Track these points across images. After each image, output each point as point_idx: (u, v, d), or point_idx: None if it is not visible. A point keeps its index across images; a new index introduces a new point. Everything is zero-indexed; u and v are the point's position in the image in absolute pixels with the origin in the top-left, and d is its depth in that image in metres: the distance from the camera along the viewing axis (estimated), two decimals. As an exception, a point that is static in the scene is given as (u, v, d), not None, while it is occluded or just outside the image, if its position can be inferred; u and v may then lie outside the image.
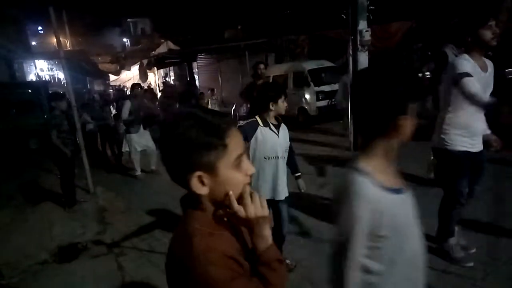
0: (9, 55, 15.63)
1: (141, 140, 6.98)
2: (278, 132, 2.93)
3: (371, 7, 6.70)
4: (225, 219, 0.94)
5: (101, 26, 39.93)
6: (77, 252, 4.26)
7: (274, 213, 3.04)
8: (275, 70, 12.24)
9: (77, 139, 6.22)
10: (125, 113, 6.74)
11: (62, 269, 3.93)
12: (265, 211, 0.92)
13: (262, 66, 5.42)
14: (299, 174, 3.30)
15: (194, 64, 20.14)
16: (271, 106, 2.87)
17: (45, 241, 4.64)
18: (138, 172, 7.16)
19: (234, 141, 0.89)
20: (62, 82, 27.86)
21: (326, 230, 3.72)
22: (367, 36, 6.61)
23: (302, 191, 3.30)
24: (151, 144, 7.09)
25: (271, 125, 2.91)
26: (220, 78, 18.41)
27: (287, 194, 3.04)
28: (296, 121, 10.66)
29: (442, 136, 2.95)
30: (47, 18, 5.89)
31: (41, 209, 5.90)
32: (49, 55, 21.48)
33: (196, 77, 20.34)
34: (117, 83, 24.96)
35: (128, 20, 41.84)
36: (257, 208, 0.91)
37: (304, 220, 4.25)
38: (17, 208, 6.06)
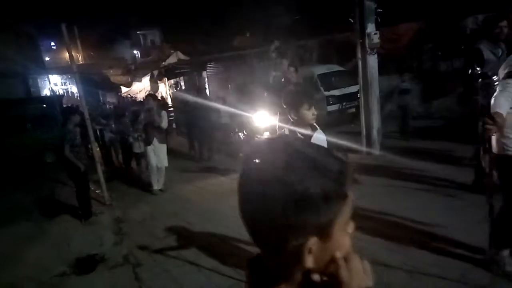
0: (24, 71, 16.06)
1: (157, 155, 6.68)
2: None
3: (379, 10, 6.68)
4: None
5: (111, 39, 40.70)
6: (94, 263, 4.30)
7: None
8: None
9: (90, 151, 6.32)
10: (139, 127, 6.67)
11: (81, 281, 3.98)
12: (370, 281, 0.69)
13: (292, 69, 5.09)
14: None
15: (204, 74, 20.30)
16: (293, 115, 2.65)
17: (63, 254, 4.71)
18: (156, 187, 6.86)
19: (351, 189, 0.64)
20: (76, 96, 28.44)
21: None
22: (376, 39, 6.59)
23: None
24: (164, 160, 6.78)
25: (298, 136, 2.63)
26: (230, 86, 18.51)
27: None
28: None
29: (503, 140, 2.71)
30: (60, 34, 6.04)
31: (58, 222, 5.99)
32: (62, 70, 21.94)
33: (206, 86, 20.49)
34: (129, 95, 25.31)
35: (138, 32, 42.58)
36: (364, 277, 0.68)
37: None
38: (34, 221, 6.16)
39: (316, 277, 0.65)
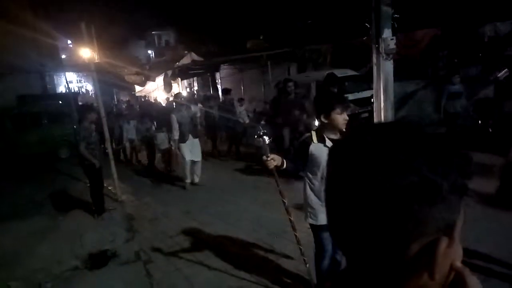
0: (41, 68, 16.35)
1: (192, 150, 6.97)
2: None
3: (396, 15, 6.63)
4: None
5: (126, 39, 41.16)
6: (106, 259, 4.37)
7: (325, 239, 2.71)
8: (298, 80, 12.25)
9: (106, 149, 6.43)
10: (175, 127, 6.80)
11: (93, 276, 4.04)
12: None
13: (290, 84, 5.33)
14: None
15: (217, 75, 20.41)
16: (322, 119, 2.52)
17: (76, 248, 4.78)
18: (189, 180, 7.07)
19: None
20: (90, 94, 28.83)
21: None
22: (392, 44, 6.53)
23: None
24: (199, 154, 7.10)
25: (327, 141, 2.53)
26: (242, 88, 18.57)
27: None
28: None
29: None
30: (76, 32, 6.17)
31: (72, 216, 6.08)
32: (79, 67, 22.27)
33: (219, 87, 20.59)
34: (142, 94, 25.55)
35: (153, 33, 43.02)
36: None
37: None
38: (48, 215, 6.26)
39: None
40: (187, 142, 6.85)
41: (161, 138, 8.12)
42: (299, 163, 2.64)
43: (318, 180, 2.60)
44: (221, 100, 10.83)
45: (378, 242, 0.49)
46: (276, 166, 2.52)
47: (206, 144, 9.82)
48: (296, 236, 2.89)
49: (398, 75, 8.37)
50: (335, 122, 2.50)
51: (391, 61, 6.77)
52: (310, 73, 12.71)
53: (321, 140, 2.55)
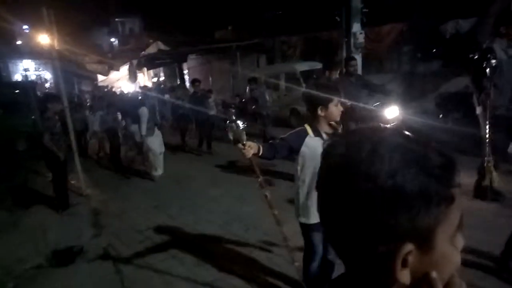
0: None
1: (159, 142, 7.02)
2: None
3: (365, 10, 6.78)
4: None
5: (88, 25, 39.39)
6: (73, 255, 4.19)
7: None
8: (267, 72, 12.27)
9: (70, 141, 6.14)
10: (144, 121, 6.72)
11: (59, 274, 3.86)
12: None
13: (354, 62, 4.97)
14: None
15: (184, 65, 20.05)
16: (319, 112, 2.41)
17: (39, 245, 4.56)
18: (159, 172, 7.01)
19: (459, 191, 0.53)
20: (49, 83, 27.45)
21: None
22: (361, 38, 6.70)
23: None
24: (163, 146, 7.14)
25: (323, 134, 2.44)
26: (210, 79, 18.36)
27: None
28: (288, 122, 10.70)
29: None
30: (34, 17, 5.83)
31: (33, 212, 5.79)
32: (37, 55, 21.14)
33: (187, 78, 20.25)
34: (106, 84, 24.65)
35: (116, 20, 41.38)
36: None
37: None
38: (7, 211, 5.92)
39: None
40: (154, 134, 6.87)
41: (136, 130, 7.82)
42: (284, 149, 2.44)
43: (310, 175, 2.46)
44: (189, 90, 10.62)
45: (353, 244, 0.52)
46: (253, 154, 2.34)
47: (175, 136, 9.65)
48: (282, 232, 2.71)
49: (365, 69, 8.58)
50: (331, 115, 2.42)
51: (360, 55, 6.94)
52: (280, 65, 12.76)
53: (317, 133, 2.43)
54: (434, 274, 0.52)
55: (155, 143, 6.89)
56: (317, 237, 2.55)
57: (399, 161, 0.49)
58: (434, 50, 10.34)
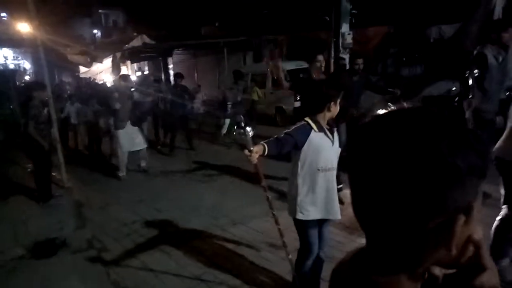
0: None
1: (131, 139, 6.52)
2: (333, 138, 2.50)
3: (354, 11, 6.87)
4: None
5: (70, 15, 38.42)
6: (55, 247, 4.10)
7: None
8: (253, 69, 12.28)
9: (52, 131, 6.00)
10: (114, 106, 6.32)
11: (41, 265, 3.77)
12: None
13: (359, 60, 4.87)
14: (341, 186, 3.00)
15: (170, 60, 19.83)
16: (327, 108, 2.43)
17: (20, 237, 4.45)
18: (123, 173, 6.63)
19: None
20: (28, 72, 26.67)
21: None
22: (349, 39, 6.79)
23: (343, 205, 2.92)
24: (141, 143, 6.70)
25: (326, 130, 2.46)
26: (196, 74, 18.24)
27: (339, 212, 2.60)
28: (274, 120, 10.75)
29: None
30: (13, 4, 5.68)
31: (13, 203, 5.65)
32: (16, 43, 20.50)
33: (171, 72, 20.04)
34: (87, 75, 24.14)
35: (100, 11, 40.54)
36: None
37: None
38: (-15, 202, 5.75)
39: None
40: (124, 129, 6.41)
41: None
42: (289, 145, 2.42)
43: (313, 171, 2.45)
44: (172, 84, 10.40)
45: (401, 219, 0.53)
46: (259, 156, 2.35)
47: (158, 132, 9.40)
48: (279, 230, 2.68)
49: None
50: (335, 111, 2.46)
51: (348, 55, 7.03)
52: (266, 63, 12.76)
53: (321, 129, 2.44)
54: (477, 236, 0.56)
55: (125, 138, 6.43)
56: (314, 234, 2.57)
57: (452, 138, 0.51)
58: (417, 55, 10.58)
